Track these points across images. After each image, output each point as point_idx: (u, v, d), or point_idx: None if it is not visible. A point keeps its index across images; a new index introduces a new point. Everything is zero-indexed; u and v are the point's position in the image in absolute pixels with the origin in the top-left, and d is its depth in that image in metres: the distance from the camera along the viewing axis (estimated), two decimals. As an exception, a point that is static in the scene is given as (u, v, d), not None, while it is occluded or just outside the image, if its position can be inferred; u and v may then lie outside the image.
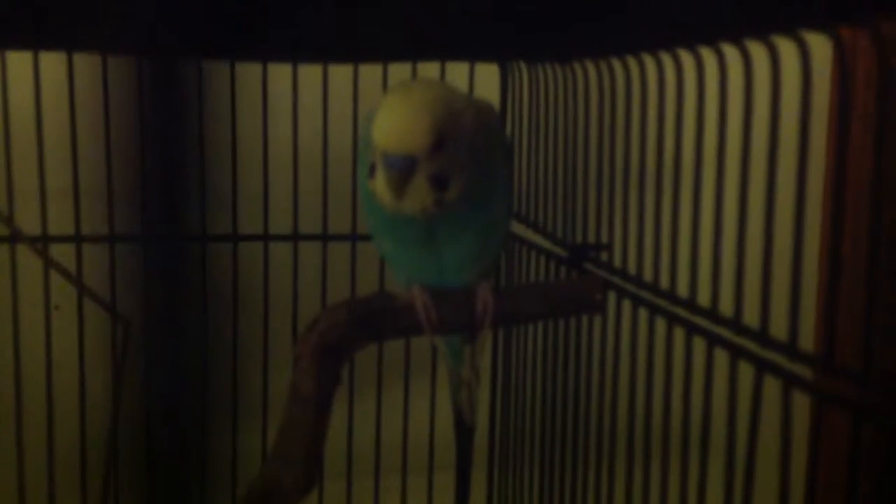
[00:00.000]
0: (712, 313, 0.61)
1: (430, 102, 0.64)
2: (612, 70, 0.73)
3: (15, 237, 0.91)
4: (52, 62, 0.90)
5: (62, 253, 0.93)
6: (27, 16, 0.65)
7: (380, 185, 0.65)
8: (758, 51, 0.54)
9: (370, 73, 0.95)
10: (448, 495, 1.05)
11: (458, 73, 0.96)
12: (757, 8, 0.50)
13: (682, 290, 0.65)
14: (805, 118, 0.51)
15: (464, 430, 0.90)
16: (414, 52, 0.90)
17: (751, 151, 0.56)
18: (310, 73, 0.94)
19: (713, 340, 0.61)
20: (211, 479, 1.07)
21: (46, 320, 0.92)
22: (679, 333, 0.65)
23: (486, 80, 1.00)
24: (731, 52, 0.57)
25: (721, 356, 0.60)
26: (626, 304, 0.72)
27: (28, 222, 0.92)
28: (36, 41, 0.84)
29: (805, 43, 0.50)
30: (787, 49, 0.53)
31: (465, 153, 0.65)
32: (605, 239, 0.77)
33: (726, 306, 0.60)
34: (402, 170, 0.63)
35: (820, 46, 0.51)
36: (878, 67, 0.45)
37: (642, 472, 0.69)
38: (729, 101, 0.58)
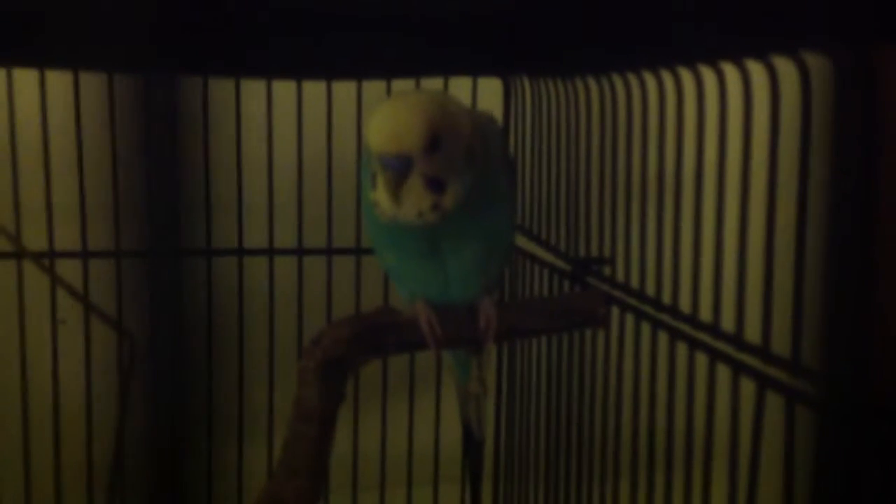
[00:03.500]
0: (714, 328, 0.61)
1: (423, 104, 0.64)
2: (613, 86, 0.73)
3: (21, 254, 0.91)
4: (57, 79, 0.91)
5: (69, 267, 0.93)
6: (27, 34, 0.66)
7: (379, 192, 0.65)
8: (757, 69, 0.55)
9: (374, 88, 0.96)
10: (453, 507, 1.05)
11: (461, 87, 0.97)
12: (756, 28, 0.50)
13: (685, 304, 0.65)
14: (805, 135, 0.51)
15: (473, 444, 0.90)
16: (417, 67, 0.91)
17: (751, 167, 0.57)
18: (314, 89, 0.95)
19: (715, 356, 0.61)
20: (217, 493, 1.08)
21: (53, 335, 0.93)
22: (681, 348, 0.65)
23: (489, 95, 1.00)
24: (730, 69, 0.57)
25: (723, 371, 0.60)
26: (629, 319, 0.73)
27: (35, 237, 0.93)
28: (36, 59, 0.84)
29: (805, 64, 0.50)
30: (786, 67, 0.53)
31: (463, 158, 0.66)
32: (607, 253, 0.77)
33: (728, 321, 0.60)
34: (398, 169, 0.63)
35: (820, 65, 0.52)
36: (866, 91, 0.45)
37: (646, 486, 0.69)
38: (728, 117, 0.59)
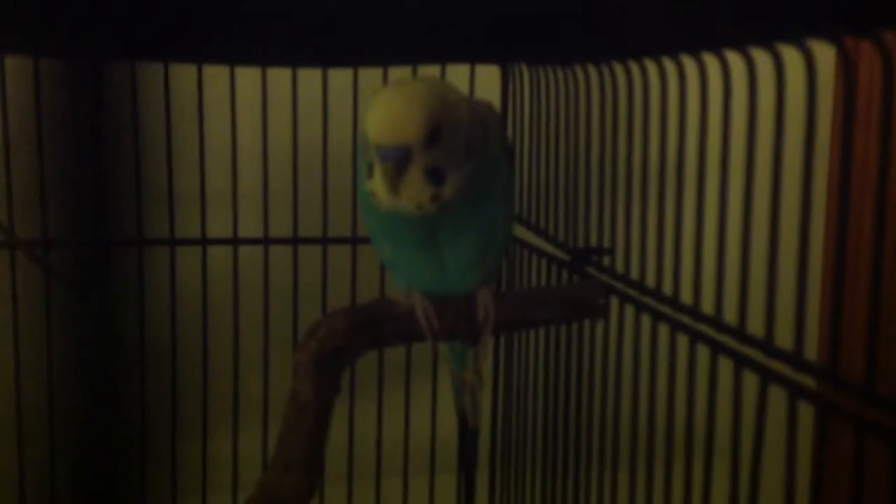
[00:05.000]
0: (716, 321, 0.60)
1: (422, 94, 0.63)
2: (613, 74, 0.72)
3: (13, 244, 0.90)
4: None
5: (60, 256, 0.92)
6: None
7: (377, 182, 0.64)
8: (761, 56, 0.54)
9: (370, 75, 0.95)
10: (449, 497, 1.05)
11: (458, 74, 0.95)
12: (761, 16, 0.49)
13: (686, 296, 0.64)
14: (810, 128, 0.51)
15: (468, 434, 0.90)
16: (414, 54, 0.89)
17: (755, 157, 0.56)
18: (310, 76, 0.94)
19: (717, 348, 0.60)
20: (212, 483, 1.07)
21: (47, 325, 0.92)
22: (682, 340, 0.64)
23: (486, 82, 0.99)
24: (733, 57, 0.56)
25: (725, 364, 0.60)
26: (629, 310, 0.72)
27: (28, 226, 0.91)
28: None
29: (810, 52, 0.49)
30: (790, 55, 0.52)
31: (462, 148, 0.65)
32: (607, 243, 0.76)
33: (730, 314, 0.59)
34: (397, 161, 0.62)
35: (822, 53, 0.51)
36: (882, 77, 0.44)
37: (645, 478, 0.69)
38: (732, 106, 0.58)
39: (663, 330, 0.67)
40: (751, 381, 0.57)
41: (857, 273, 0.54)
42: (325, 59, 0.91)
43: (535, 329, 0.89)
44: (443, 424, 1.02)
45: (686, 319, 0.64)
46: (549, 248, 0.87)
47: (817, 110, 0.52)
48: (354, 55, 0.89)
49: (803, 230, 0.52)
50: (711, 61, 0.59)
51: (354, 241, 0.98)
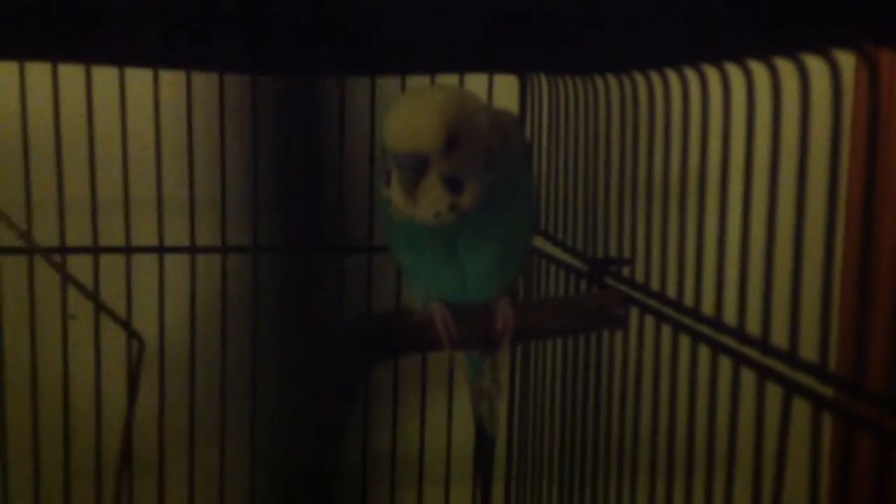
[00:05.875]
0: (739, 332, 0.60)
1: (441, 101, 0.63)
2: (634, 84, 0.72)
3: (32, 250, 0.90)
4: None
5: (80, 263, 0.92)
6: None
7: (394, 190, 0.64)
8: (784, 66, 0.53)
9: (388, 85, 0.95)
10: (465, 508, 1.04)
11: (476, 84, 0.95)
12: (784, 26, 0.49)
13: (707, 307, 0.64)
14: (836, 137, 0.50)
15: (485, 442, 0.89)
16: (432, 63, 0.89)
17: (778, 167, 0.55)
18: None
19: (739, 360, 0.60)
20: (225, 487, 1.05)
21: (63, 331, 0.92)
22: (704, 352, 0.64)
23: (505, 93, 0.99)
24: (758, 67, 0.56)
25: (748, 376, 0.59)
26: (649, 321, 0.71)
27: (46, 233, 0.91)
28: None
29: (835, 62, 0.49)
30: (812, 65, 0.52)
31: (481, 156, 0.64)
32: (626, 253, 0.76)
33: (753, 325, 0.59)
34: (414, 168, 0.62)
35: (841, 60, 0.50)
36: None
37: (665, 490, 0.68)
38: (756, 116, 0.57)
39: (684, 341, 0.66)
40: (774, 393, 0.56)
41: (879, 283, 0.54)
42: (343, 67, 0.91)
43: (554, 339, 0.88)
44: (459, 434, 1.02)
45: (707, 330, 0.64)
46: (568, 258, 0.87)
47: (843, 120, 0.51)
48: (373, 63, 0.89)
49: (828, 240, 0.51)
50: (734, 70, 0.58)
51: (370, 249, 0.98)
